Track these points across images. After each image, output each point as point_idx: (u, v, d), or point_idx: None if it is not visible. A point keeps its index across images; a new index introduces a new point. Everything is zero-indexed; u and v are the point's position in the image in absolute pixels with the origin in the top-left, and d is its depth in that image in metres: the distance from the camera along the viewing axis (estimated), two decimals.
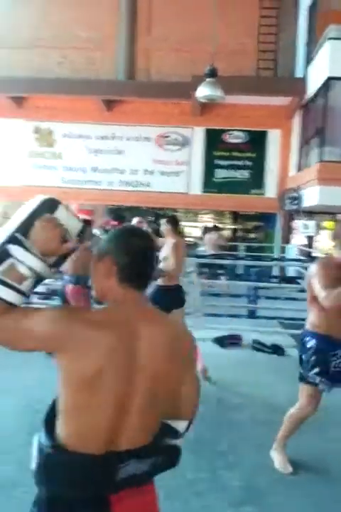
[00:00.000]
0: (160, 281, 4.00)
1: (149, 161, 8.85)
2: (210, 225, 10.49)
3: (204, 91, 6.26)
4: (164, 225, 4.08)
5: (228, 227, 14.70)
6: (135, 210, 14.09)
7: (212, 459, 2.80)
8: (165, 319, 1.22)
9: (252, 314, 5.72)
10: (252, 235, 14.23)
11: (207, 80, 6.09)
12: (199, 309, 4.95)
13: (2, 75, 7.19)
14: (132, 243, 1.12)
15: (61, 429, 1.07)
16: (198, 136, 9.11)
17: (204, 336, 5.10)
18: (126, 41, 8.30)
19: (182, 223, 14.74)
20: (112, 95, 8.02)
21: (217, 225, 10.08)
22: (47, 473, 1.06)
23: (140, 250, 1.12)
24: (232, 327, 5.21)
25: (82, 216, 8.77)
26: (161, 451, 1.14)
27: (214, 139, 9.40)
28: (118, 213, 7.84)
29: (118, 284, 1.11)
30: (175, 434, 1.21)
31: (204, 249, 8.40)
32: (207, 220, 15.92)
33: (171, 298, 4.00)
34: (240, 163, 9.74)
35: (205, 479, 2.60)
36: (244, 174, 9.78)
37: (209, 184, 9.51)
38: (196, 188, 9.30)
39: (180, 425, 1.23)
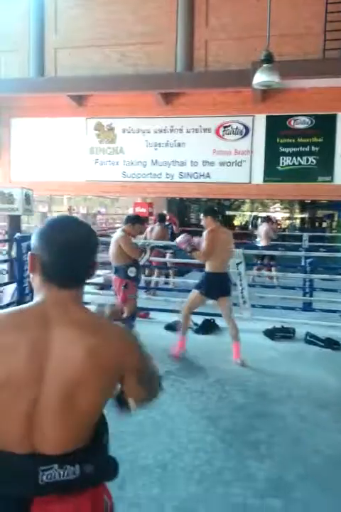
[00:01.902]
0: (206, 268, 4.07)
1: (209, 152, 8.77)
2: (264, 215, 10.24)
3: (260, 77, 6.07)
4: (203, 218, 4.15)
5: (296, 216, 14.18)
6: (196, 202, 14.15)
7: (242, 449, 2.77)
8: (91, 322, 1.08)
9: (308, 307, 5.48)
10: (323, 224, 13.55)
11: (264, 65, 5.89)
12: (246, 300, 4.85)
13: (63, 75, 7.56)
14: (53, 238, 1.04)
15: None
16: (260, 124, 8.85)
17: (254, 327, 5.01)
18: (183, 33, 8.28)
19: (246, 213, 14.57)
20: (170, 88, 8.05)
21: (269, 215, 9.77)
22: None
23: (61, 245, 1.04)
24: (284, 320, 5.04)
25: (139, 209, 8.98)
26: (91, 460, 1.07)
27: (277, 126, 9.06)
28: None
29: (42, 281, 1.06)
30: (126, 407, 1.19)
31: (258, 240, 8.20)
32: (274, 210, 15.48)
33: (215, 285, 4.04)
34: (306, 149, 9.28)
35: (232, 468, 2.58)
36: (310, 161, 9.31)
37: (273, 173, 9.19)
38: (258, 177, 9.04)
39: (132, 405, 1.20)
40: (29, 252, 1.07)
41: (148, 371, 1.19)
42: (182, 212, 13.18)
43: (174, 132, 8.66)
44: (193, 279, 6.45)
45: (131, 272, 4.33)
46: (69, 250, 1.04)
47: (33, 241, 1.07)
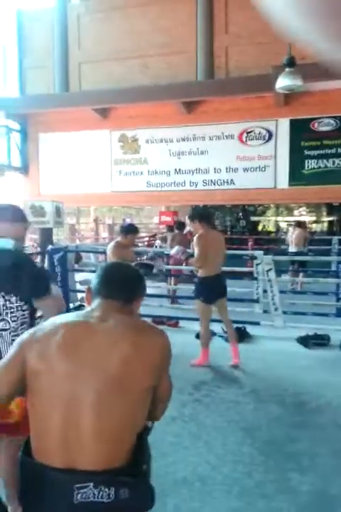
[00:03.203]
0: (200, 273, 4.05)
1: (233, 158, 8.72)
2: (296, 220, 10.04)
3: (283, 82, 6.03)
4: (189, 224, 4.13)
5: (323, 219, 13.93)
6: (220, 209, 14.08)
7: (282, 462, 2.68)
8: (135, 323, 1.22)
9: None
10: None
11: (286, 70, 5.83)
12: (278, 307, 4.76)
13: (87, 89, 7.67)
14: (102, 269, 1.35)
15: (31, 437, 1.10)
16: (283, 128, 8.75)
17: (286, 335, 4.90)
18: (203, 42, 8.30)
19: (272, 219, 14.41)
20: (192, 97, 8.07)
21: (299, 220, 9.57)
22: (21, 481, 1.07)
23: (106, 271, 1.33)
24: (318, 326, 4.91)
25: (164, 218, 8.95)
26: (127, 484, 1.02)
27: (301, 129, 8.95)
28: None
29: (92, 299, 1.28)
30: (147, 429, 1.22)
31: (290, 246, 8.05)
32: (301, 214, 15.25)
33: (211, 288, 4.05)
34: (332, 151, 9.12)
35: (274, 481, 2.50)
36: (337, 163, 9.14)
37: (298, 176, 9.07)
38: (283, 181, 8.93)
39: (150, 423, 1.26)
40: (86, 287, 1.33)
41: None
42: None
43: (197, 140, 8.66)
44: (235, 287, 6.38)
45: None
46: (112, 274, 1.32)
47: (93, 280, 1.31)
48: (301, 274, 7.02)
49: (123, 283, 1.29)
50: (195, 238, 4.02)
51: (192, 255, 4.11)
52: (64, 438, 1.00)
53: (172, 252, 4.18)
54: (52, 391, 1.03)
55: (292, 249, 7.90)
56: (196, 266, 4.12)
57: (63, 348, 1.06)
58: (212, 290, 4.05)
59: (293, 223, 9.53)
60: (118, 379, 1.04)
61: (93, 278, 1.31)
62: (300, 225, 8.70)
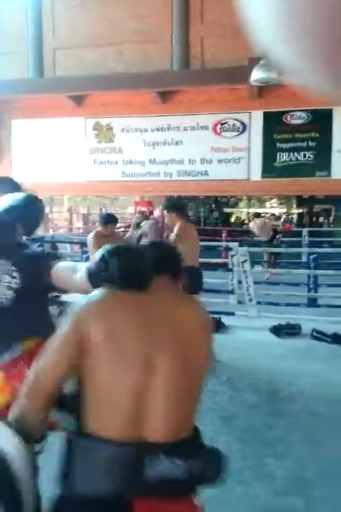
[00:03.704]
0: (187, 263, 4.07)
1: (207, 150, 8.77)
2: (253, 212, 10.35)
3: (258, 74, 6.10)
4: (166, 215, 4.10)
5: (293, 211, 14.25)
6: (193, 199, 14.18)
7: (259, 448, 2.79)
8: (186, 296, 1.26)
9: (313, 303, 5.52)
10: (320, 219, 13.64)
11: (261, 62, 5.91)
12: (252, 298, 4.88)
13: (61, 76, 7.53)
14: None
15: (83, 412, 1.00)
16: (257, 121, 8.86)
17: (260, 325, 5.04)
18: (179, 31, 8.26)
19: (243, 210, 14.66)
20: (166, 86, 8.05)
21: (258, 211, 9.85)
22: (70, 460, 0.96)
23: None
24: (290, 317, 5.07)
25: (140, 208, 8.98)
26: (198, 455, 1.00)
27: (274, 122, 9.08)
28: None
29: None
30: None
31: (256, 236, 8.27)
32: (272, 206, 15.54)
33: (194, 280, 4.05)
34: (303, 144, 9.29)
35: (250, 467, 2.59)
36: (307, 156, 9.33)
37: (271, 169, 9.21)
38: (256, 173, 9.05)
39: None
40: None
41: None
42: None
43: (171, 130, 8.65)
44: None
45: None
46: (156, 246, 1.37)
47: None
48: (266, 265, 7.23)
49: (170, 253, 1.29)
50: (176, 229, 3.98)
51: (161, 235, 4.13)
52: (133, 410, 0.95)
53: (144, 227, 4.16)
54: (122, 361, 0.97)
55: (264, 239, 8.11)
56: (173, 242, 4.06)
57: (132, 316, 1.02)
58: (194, 281, 4.02)
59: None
60: (189, 348, 1.03)
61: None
62: (258, 215, 8.94)
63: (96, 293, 1.10)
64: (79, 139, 8.15)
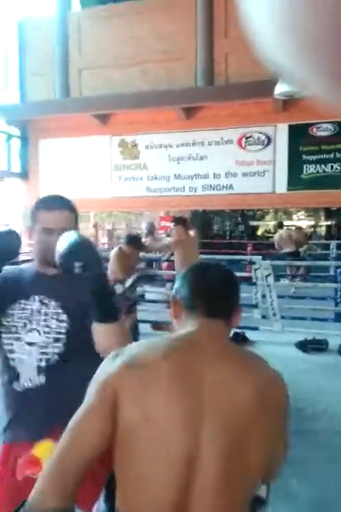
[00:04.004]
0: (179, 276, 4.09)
1: (232, 163, 8.79)
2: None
3: (282, 88, 6.09)
4: (173, 228, 4.24)
5: (321, 224, 14.01)
6: (219, 213, 14.18)
7: (282, 468, 2.72)
8: (251, 357, 0.96)
9: (340, 318, 5.37)
10: None
11: None
12: (276, 312, 4.81)
13: (87, 95, 7.74)
14: (195, 274, 1.03)
15: (119, 501, 0.86)
16: (282, 133, 8.82)
17: (285, 339, 4.95)
18: (203, 47, 8.37)
19: (271, 223, 14.53)
20: (191, 103, 8.15)
21: (281, 222, 9.71)
22: None
23: (204, 277, 1.01)
24: (316, 331, 4.95)
25: (164, 223, 9.00)
26: None
27: (299, 135, 9.02)
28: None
29: (187, 314, 0.97)
30: (260, 502, 0.98)
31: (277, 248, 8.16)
32: (299, 218, 15.33)
33: None
34: (330, 156, 9.17)
35: (273, 487, 2.53)
36: (335, 168, 9.19)
37: (296, 181, 9.12)
38: (282, 186, 8.99)
39: (261, 491, 0.99)
40: (172, 297, 1.03)
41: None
42: (206, 224, 13.20)
43: (196, 145, 8.73)
44: None
45: (118, 288, 4.36)
46: (211, 280, 0.98)
47: (176, 286, 1.03)
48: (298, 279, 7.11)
49: (227, 293, 0.98)
50: (172, 239, 4.12)
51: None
52: (174, 505, 0.78)
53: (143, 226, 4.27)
54: (159, 446, 0.79)
55: (287, 250, 8.02)
56: (162, 250, 4.15)
57: (176, 386, 0.80)
58: None
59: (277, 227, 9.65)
60: (242, 435, 0.81)
61: (178, 285, 1.01)
62: (281, 226, 8.84)
63: (134, 350, 0.87)
64: (104, 156, 8.34)
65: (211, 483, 0.79)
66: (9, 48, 7.89)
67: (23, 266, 1.47)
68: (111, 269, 4.25)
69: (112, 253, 4.38)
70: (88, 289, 1.16)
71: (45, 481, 0.78)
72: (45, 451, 1.18)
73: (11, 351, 1.30)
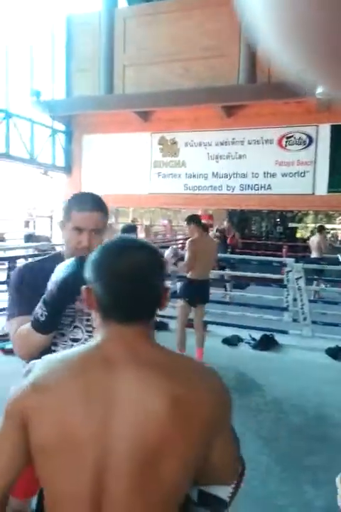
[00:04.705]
0: (188, 275, 4.22)
1: (271, 163, 8.69)
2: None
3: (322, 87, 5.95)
4: (187, 226, 4.28)
5: None
6: (257, 214, 14.00)
7: (298, 473, 2.74)
8: (171, 363, 0.85)
9: None
10: None
11: None
12: (307, 317, 4.76)
13: (130, 93, 7.88)
14: (107, 266, 0.84)
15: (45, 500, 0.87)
16: (324, 134, 8.62)
17: (315, 345, 4.90)
18: (246, 45, 8.29)
19: (310, 225, 14.18)
20: (232, 101, 8.12)
21: (322, 225, 9.48)
22: None
23: (117, 274, 0.83)
24: None
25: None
26: None
27: None
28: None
29: (101, 317, 0.86)
30: (220, 502, 0.95)
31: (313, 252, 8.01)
32: (340, 221, 14.89)
33: (196, 291, 4.19)
34: None
35: (288, 493, 2.56)
36: None
37: (338, 183, 8.90)
38: (322, 188, 8.80)
39: (222, 491, 0.96)
40: (83, 286, 0.88)
41: (236, 443, 0.94)
42: (244, 224, 13.10)
43: (235, 144, 8.69)
44: (253, 292, 6.43)
45: None
46: (128, 278, 0.82)
47: (87, 272, 0.87)
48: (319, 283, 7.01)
49: (148, 291, 0.85)
50: (187, 242, 4.19)
51: (182, 258, 4.26)
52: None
53: (165, 254, 4.38)
54: (71, 464, 0.78)
55: (313, 255, 7.91)
56: (184, 270, 4.27)
57: (85, 405, 0.78)
58: (197, 293, 4.20)
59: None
60: (154, 448, 0.77)
61: (90, 272, 0.86)
62: (320, 230, 8.69)
63: (43, 369, 0.83)
64: (144, 153, 8.48)
65: (123, 497, 0.78)
66: (57, 43, 8.15)
67: (49, 257, 1.50)
68: None
69: None
70: None
71: None
72: None
73: (55, 344, 1.36)
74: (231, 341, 4.94)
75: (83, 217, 1.36)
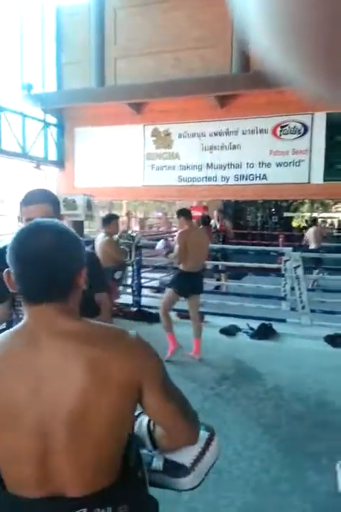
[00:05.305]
0: (180, 267, 4.23)
1: (266, 153, 8.63)
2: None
3: None
4: (178, 219, 4.32)
5: None
6: (252, 204, 13.95)
7: (300, 460, 2.70)
8: (87, 331, 0.91)
9: None
10: None
11: None
12: (305, 305, 4.72)
13: (121, 84, 7.79)
14: (18, 248, 0.90)
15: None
16: (320, 122, 8.57)
17: (314, 333, 4.86)
18: (238, 35, 8.19)
19: (306, 214, 14.16)
20: (225, 91, 8.04)
21: (316, 218, 9.56)
22: None
23: (26, 255, 0.88)
24: None
25: (195, 213, 8.96)
26: (125, 500, 0.92)
27: (338, 123, 8.71)
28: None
29: (22, 298, 0.92)
30: (180, 467, 1.03)
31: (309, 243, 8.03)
32: (337, 210, 14.87)
33: (187, 283, 4.20)
34: None
35: (290, 479, 2.52)
36: None
37: (334, 171, 8.86)
38: (318, 176, 8.76)
39: (184, 457, 1.03)
40: (5, 270, 0.91)
41: (177, 394, 0.98)
42: (239, 215, 13.04)
43: (229, 135, 8.61)
44: (250, 282, 6.39)
45: (117, 274, 4.55)
46: (29, 262, 0.88)
47: (7, 255, 0.91)
48: (317, 272, 7.02)
49: (59, 270, 0.90)
50: (177, 234, 4.21)
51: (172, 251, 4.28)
52: (41, 469, 0.87)
53: (157, 247, 4.38)
54: (13, 434, 0.87)
55: (312, 246, 7.94)
56: (174, 261, 4.28)
57: (18, 381, 0.86)
58: (187, 284, 4.19)
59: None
60: (80, 413, 0.85)
61: (7, 255, 0.91)
62: (314, 222, 8.76)
63: None
64: (137, 145, 8.39)
65: (62, 455, 0.86)
66: (47, 36, 8.03)
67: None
68: (105, 256, 4.43)
69: (101, 241, 4.60)
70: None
71: None
72: None
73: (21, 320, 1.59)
74: (230, 331, 4.90)
75: (31, 210, 1.60)
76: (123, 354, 0.89)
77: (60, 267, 0.90)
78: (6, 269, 0.91)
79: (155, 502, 0.99)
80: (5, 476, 0.91)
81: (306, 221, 9.09)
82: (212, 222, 7.98)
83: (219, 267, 7.26)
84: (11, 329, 0.93)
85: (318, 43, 0.31)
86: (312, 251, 7.42)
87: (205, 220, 7.85)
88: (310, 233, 8.44)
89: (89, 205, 5.29)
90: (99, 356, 0.87)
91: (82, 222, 5.56)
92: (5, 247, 1.58)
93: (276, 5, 0.31)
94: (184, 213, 4.31)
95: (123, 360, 0.88)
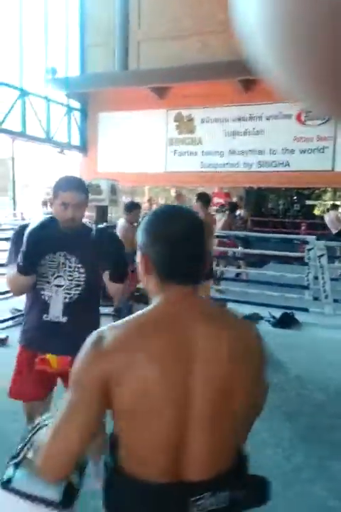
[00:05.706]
0: None
1: (289, 139, 8.49)
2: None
3: None
4: (195, 202, 4.29)
5: None
6: (274, 191, 13.78)
7: (322, 449, 2.73)
8: (223, 314, 1.00)
9: None
10: None
11: None
12: (328, 295, 4.69)
13: (145, 68, 7.75)
14: (165, 230, 0.90)
15: (120, 449, 0.95)
16: None
17: (337, 323, 4.84)
18: None
19: (328, 202, 13.89)
20: (250, 75, 7.90)
21: (335, 203, 9.37)
22: (109, 498, 0.96)
23: (176, 236, 0.89)
24: None
25: (217, 200, 8.92)
26: (243, 484, 0.96)
27: None
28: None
29: (159, 281, 0.92)
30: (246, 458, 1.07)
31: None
32: None
33: None
34: None
35: (311, 466, 2.56)
36: None
37: None
38: None
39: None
40: (139, 253, 0.94)
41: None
42: (261, 201, 12.92)
43: (253, 120, 8.50)
44: (272, 270, 6.35)
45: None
46: (184, 241, 0.89)
47: (140, 238, 0.93)
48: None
49: (202, 254, 0.94)
50: None
51: None
52: (173, 452, 0.89)
53: None
54: (155, 407, 0.87)
55: (333, 232, 7.81)
56: None
57: (164, 358, 0.86)
58: None
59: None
60: (229, 385, 0.89)
61: (145, 240, 0.92)
62: (333, 207, 8.61)
63: (117, 332, 0.89)
64: (160, 130, 8.38)
65: (203, 423, 0.89)
66: (71, 18, 8.02)
67: (45, 221, 1.74)
68: (126, 239, 4.46)
69: (121, 225, 4.62)
70: (101, 250, 1.71)
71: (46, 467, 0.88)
72: (53, 360, 1.80)
73: (43, 289, 1.81)
74: (251, 319, 4.91)
75: (69, 196, 1.73)
76: (257, 340, 0.98)
77: (206, 250, 0.96)
78: (143, 252, 0.92)
79: (266, 484, 1.02)
80: (130, 458, 0.92)
81: (327, 209, 8.93)
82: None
83: (237, 254, 7.24)
84: (145, 311, 0.92)
85: (325, 64, 0.31)
86: (334, 238, 7.32)
87: (233, 207, 7.80)
88: (327, 220, 8.32)
89: (113, 190, 5.33)
90: (244, 341, 0.93)
91: (106, 207, 5.60)
92: (25, 226, 1.74)
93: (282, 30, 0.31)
94: (203, 199, 4.27)
95: (259, 345, 0.97)
